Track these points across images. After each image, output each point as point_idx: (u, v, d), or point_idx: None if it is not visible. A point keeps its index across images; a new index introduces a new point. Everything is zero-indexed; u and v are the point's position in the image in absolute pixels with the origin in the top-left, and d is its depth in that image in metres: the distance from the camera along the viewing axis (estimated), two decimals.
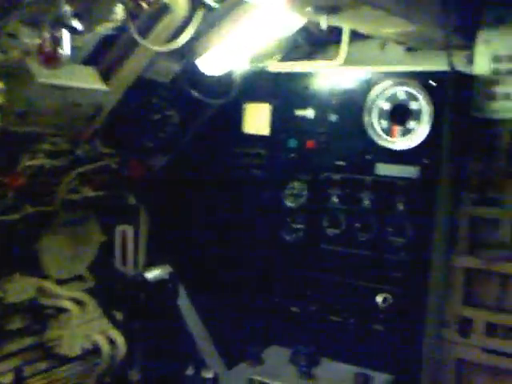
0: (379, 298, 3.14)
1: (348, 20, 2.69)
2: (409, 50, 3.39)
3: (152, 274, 3.44)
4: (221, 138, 3.65)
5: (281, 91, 3.45)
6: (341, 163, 3.30)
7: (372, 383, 2.95)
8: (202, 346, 3.57)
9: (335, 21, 2.56)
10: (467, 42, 3.10)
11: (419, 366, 3.15)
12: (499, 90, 3.02)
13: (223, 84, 3.34)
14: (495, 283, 3.37)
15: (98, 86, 2.74)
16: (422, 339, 3.14)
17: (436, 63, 3.08)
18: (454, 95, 2.97)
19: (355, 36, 3.33)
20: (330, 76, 3.31)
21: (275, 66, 3.45)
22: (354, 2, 2.27)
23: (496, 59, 3.02)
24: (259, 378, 3.03)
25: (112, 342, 3.29)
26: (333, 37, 3.39)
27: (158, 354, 3.66)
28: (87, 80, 2.70)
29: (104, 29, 2.49)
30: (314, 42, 3.54)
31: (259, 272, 3.57)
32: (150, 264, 3.59)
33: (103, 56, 2.75)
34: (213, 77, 3.14)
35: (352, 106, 3.24)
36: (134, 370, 3.70)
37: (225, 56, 2.92)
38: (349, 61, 3.37)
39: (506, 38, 2.98)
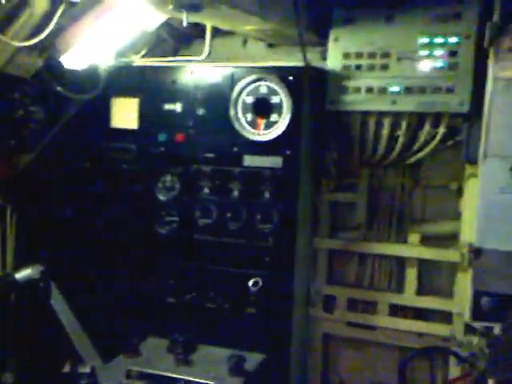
0: (250, 283, 3.29)
1: (208, 18, 2.81)
2: (269, 46, 3.57)
3: (22, 274, 3.34)
4: (88, 134, 3.60)
5: (148, 86, 3.46)
6: (210, 155, 3.38)
7: (245, 363, 3.09)
8: (78, 343, 3.52)
9: (196, 18, 2.67)
10: (321, 40, 3.34)
11: (289, 343, 3.36)
12: (350, 84, 3.27)
13: (89, 79, 3.31)
14: (354, 262, 3.68)
15: None
16: (290, 318, 3.34)
17: (294, 59, 3.28)
18: (311, 89, 3.19)
19: (219, 32, 3.47)
20: (197, 71, 3.37)
21: (141, 61, 3.47)
22: (212, 0, 2.40)
23: (346, 56, 3.27)
24: (137, 369, 3.07)
25: None
26: (197, 32, 3.50)
27: (33, 354, 3.57)
28: None
29: None
30: (179, 37, 3.61)
31: (134, 266, 3.60)
32: (21, 264, 3.49)
33: None
34: (78, 72, 3.11)
35: (218, 100, 3.33)
36: (8, 372, 3.59)
37: (87, 50, 2.90)
38: (213, 56, 3.49)
39: (354, 36, 3.23)
